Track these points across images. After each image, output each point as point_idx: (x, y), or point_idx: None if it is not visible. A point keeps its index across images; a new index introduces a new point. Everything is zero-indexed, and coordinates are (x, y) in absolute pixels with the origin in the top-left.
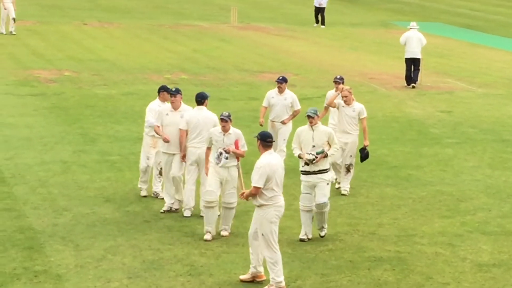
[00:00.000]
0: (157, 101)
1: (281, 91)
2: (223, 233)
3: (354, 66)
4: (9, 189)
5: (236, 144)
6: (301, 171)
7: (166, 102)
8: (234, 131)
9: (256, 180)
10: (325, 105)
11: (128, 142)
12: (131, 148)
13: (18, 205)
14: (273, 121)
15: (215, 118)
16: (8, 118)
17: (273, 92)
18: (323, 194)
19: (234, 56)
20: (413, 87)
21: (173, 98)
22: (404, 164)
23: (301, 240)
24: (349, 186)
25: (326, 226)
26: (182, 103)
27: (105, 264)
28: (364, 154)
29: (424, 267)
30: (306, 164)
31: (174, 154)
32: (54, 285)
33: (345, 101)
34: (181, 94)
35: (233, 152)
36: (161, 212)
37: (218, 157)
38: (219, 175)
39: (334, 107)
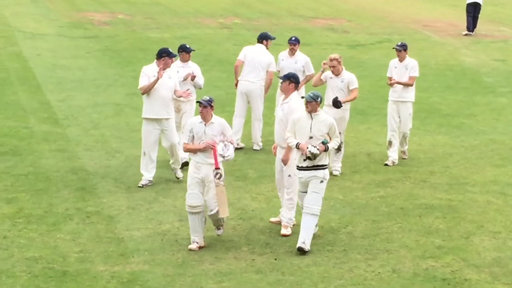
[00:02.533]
0: (178, 63)
1: (292, 53)
2: (218, 231)
3: (408, 13)
4: (62, 130)
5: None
6: (297, 165)
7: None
8: (218, 121)
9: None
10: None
11: None
12: None
13: (71, 146)
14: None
15: (270, 59)
16: (61, 60)
17: (283, 54)
18: (316, 193)
19: (288, 1)
20: (466, 34)
21: (173, 59)
22: (457, 113)
23: (299, 249)
24: (340, 165)
25: (309, 240)
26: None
27: (156, 206)
28: (334, 101)
29: (475, 216)
30: (308, 158)
31: (167, 119)
32: (106, 226)
33: (333, 71)
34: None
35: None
36: (139, 187)
37: (224, 146)
38: (199, 174)
39: (321, 84)
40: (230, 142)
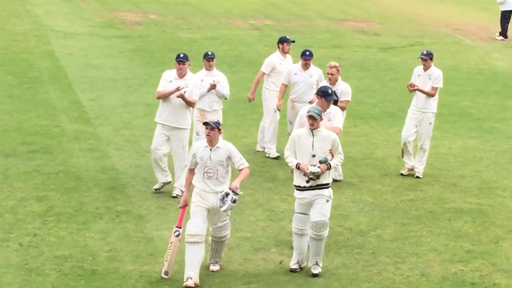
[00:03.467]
0: (203, 71)
1: (306, 67)
2: (213, 267)
3: (439, 16)
4: (93, 129)
5: None
6: (296, 186)
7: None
8: (224, 145)
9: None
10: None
11: None
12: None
13: (102, 145)
14: (294, 101)
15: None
16: (93, 59)
17: (296, 68)
18: (321, 213)
19: (319, 3)
20: (502, 40)
21: (181, 66)
22: (488, 117)
23: (292, 270)
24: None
25: (321, 261)
26: (188, 71)
27: None
28: None
29: (505, 220)
30: (311, 179)
31: (175, 128)
32: (135, 226)
33: (330, 80)
34: (189, 61)
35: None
36: (155, 189)
37: (223, 199)
38: (205, 203)
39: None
40: (232, 189)
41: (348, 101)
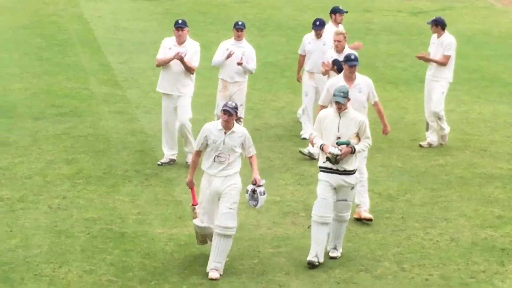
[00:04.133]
0: (231, 40)
1: (318, 36)
2: (212, 274)
3: None
4: (122, 92)
5: None
6: (320, 167)
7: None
8: (240, 130)
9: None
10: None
11: None
12: None
13: (131, 108)
14: (311, 72)
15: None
16: (122, 22)
17: (309, 37)
18: (345, 196)
19: None
20: None
21: (180, 32)
22: None
23: (310, 263)
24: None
25: (340, 246)
26: (188, 37)
27: None
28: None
29: None
30: (328, 160)
31: (178, 96)
32: (164, 189)
33: (336, 46)
34: (188, 27)
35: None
36: (159, 165)
37: (252, 196)
38: (211, 189)
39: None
40: (255, 183)
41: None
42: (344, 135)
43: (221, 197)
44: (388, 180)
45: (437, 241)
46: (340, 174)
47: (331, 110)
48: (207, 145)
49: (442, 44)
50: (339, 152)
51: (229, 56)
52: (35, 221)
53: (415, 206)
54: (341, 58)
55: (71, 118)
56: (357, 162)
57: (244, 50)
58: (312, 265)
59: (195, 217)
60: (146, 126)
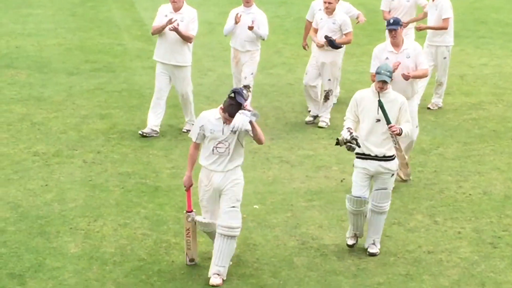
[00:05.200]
0: (240, 7)
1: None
2: (214, 280)
3: None
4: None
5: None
6: (356, 153)
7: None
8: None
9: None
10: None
11: (273, 5)
12: (276, 11)
13: None
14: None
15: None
16: None
17: (318, 4)
18: (384, 194)
19: None
20: None
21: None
22: None
23: (350, 246)
24: (329, 116)
25: (379, 241)
26: (185, 3)
27: None
28: (328, 40)
29: None
30: (337, 143)
31: (175, 66)
32: None
33: (326, 8)
34: None
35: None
36: (140, 134)
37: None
38: (211, 186)
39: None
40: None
41: (351, 32)
42: (383, 117)
43: (222, 194)
44: (421, 134)
45: (470, 194)
46: (378, 160)
47: (369, 90)
48: (204, 136)
49: (437, 7)
50: (348, 138)
51: (237, 20)
52: (70, 176)
53: (448, 160)
54: (330, 21)
55: (105, 74)
56: (394, 148)
57: (255, 16)
58: (352, 247)
59: (187, 227)
60: None
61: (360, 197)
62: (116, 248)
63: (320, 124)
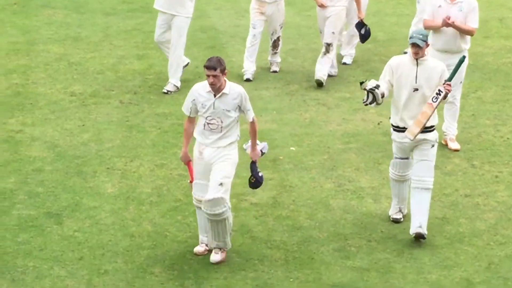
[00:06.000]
0: None
1: None
2: (215, 257)
3: None
4: None
5: None
6: (393, 125)
7: None
8: (235, 90)
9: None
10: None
11: None
12: None
13: (201, 5)
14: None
15: None
16: None
17: None
18: (426, 166)
19: None
20: None
21: None
22: None
23: (395, 220)
24: (326, 72)
25: (425, 225)
26: None
27: (285, 67)
28: (364, 32)
29: None
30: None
31: (174, 16)
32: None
33: None
34: None
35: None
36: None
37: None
38: (203, 159)
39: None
40: (253, 161)
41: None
42: (422, 86)
43: (212, 169)
44: None
45: (508, 138)
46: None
47: (406, 57)
48: (197, 110)
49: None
50: (374, 85)
51: None
52: (107, 116)
53: (486, 104)
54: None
55: (142, 14)
56: (436, 118)
57: None
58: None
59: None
60: (216, 23)
61: (405, 158)
62: (152, 188)
63: (317, 77)
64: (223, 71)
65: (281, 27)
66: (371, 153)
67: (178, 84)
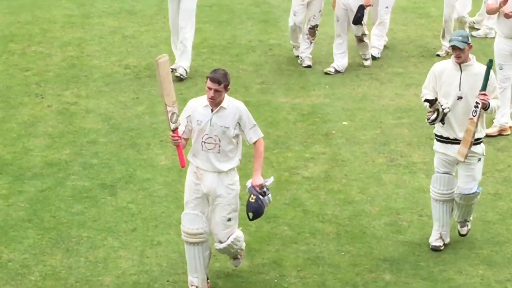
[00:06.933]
0: None
1: None
2: (235, 262)
3: None
4: None
5: None
6: (436, 135)
7: None
8: (234, 105)
9: None
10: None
11: None
12: None
13: None
14: None
15: None
16: None
17: None
18: (471, 178)
19: None
20: None
21: None
22: None
23: (434, 248)
24: (370, 52)
25: (470, 219)
26: None
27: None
28: (360, 16)
29: None
30: (436, 120)
31: None
32: (287, 59)
33: None
34: None
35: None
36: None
37: (253, 201)
38: (200, 186)
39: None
40: (256, 188)
41: None
42: (466, 94)
43: (215, 202)
44: None
45: None
46: (459, 144)
47: (449, 62)
48: (191, 128)
49: None
50: (447, 109)
51: None
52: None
53: None
54: None
55: None
56: (483, 130)
57: None
58: (437, 250)
59: None
60: None
61: (448, 173)
62: None
63: (365, 63)
64: (226, 87)
65: (321, 14)
66: (423, 128)
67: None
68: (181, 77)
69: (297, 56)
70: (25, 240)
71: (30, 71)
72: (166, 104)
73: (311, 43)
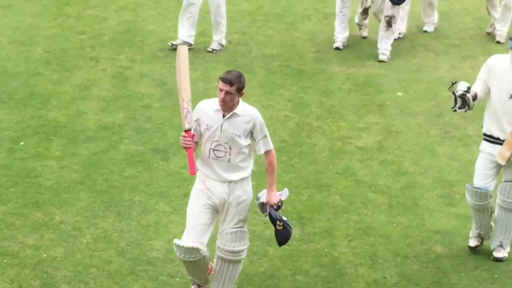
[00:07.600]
0: None
1: None
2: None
3: None
4: None
5: None
6: (486, 134)
7: None
8: (248, 112)
9: None
10: None
11: None
12: None
13: None
14: None
15: None
16: None
17: None
18: None
19: None
20: None
21: None
22: None
23: (472, 248)
24: (390, 48)
25: (508, 243)
26: None
27: None
28: None
29: None
30: (455, 106)
31: None
32: None
33: None
34: None
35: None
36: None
37: (263, 207)
38: (210, 197)
39: None
40: (271, 205)
41: None
42: None
43: (224, 213)
44: None
45: None
46: None
47: (506, 57)
48: (200, 133)
49: None
50: (464, 91)
51: None
52: (214, 56)
53: None
54: None
55: None
56: None
57: None
58: (475, 250)
59: None
60: None
61: (480, 189)
62: None
63: (381, 57)
64: (239, 91)
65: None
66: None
67: (223, 42)
68: (214, 52)
69: (358, 24)
70: (77, 202)
71: (85, 35)
72: (183, 100)
73: (389, 36)
